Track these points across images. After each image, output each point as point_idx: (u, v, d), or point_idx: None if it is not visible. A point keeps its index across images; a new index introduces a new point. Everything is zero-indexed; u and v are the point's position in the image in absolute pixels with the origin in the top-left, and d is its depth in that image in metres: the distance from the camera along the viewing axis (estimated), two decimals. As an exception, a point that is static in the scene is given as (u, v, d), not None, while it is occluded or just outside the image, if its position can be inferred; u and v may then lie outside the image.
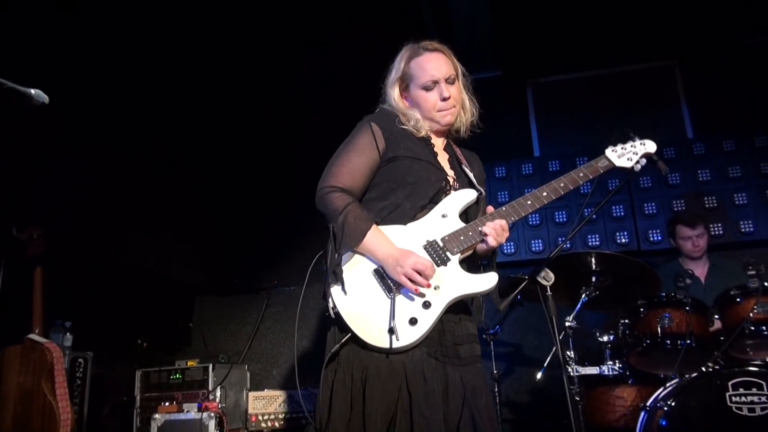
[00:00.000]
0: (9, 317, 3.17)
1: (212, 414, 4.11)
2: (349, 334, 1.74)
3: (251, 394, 4.49)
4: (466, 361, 1.79)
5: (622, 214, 4.77)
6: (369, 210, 1.88)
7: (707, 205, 4.60)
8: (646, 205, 4.73)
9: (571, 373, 3.04)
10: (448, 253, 1.82)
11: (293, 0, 3.83)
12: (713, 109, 4.94)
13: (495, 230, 1.83)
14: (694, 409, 2.59)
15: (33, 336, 3.36)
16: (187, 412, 4.22)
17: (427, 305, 1.74)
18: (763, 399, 2.51)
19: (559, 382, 2.49)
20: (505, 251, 4.89)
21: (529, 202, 1.93)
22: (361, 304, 1.76)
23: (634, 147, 2.05)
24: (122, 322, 4.77)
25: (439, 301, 1.76)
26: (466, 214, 1.95)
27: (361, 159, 1.89)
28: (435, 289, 1.77)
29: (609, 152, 2.04)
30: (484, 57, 4.78)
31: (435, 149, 2.00)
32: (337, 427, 1.67)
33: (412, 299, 1.75)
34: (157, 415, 4.20)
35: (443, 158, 2.01)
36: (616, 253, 3.26)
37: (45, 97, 1.91)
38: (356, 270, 1.81)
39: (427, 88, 1.95)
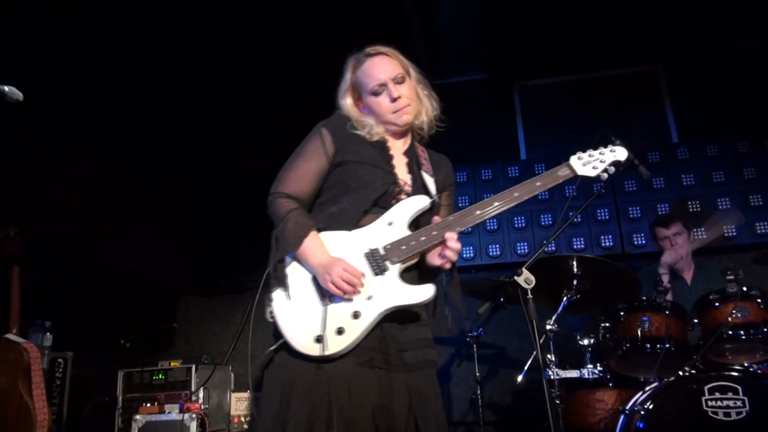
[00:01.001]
0: (-15, 317, 3.13)
1: (194, 415, 4.08)
2: (282, 340, 1.74)
3: (234, 395, 4.47)
4: (413, 367, 1.76)
5: (607, 217, 4.79)
6: (318, 215, 1.88)
7: (691, 209, 4.63)
8: (630, 208, 4.76)
9: (552, 376, 3.04)
10: (387, 263, 1.78)
11: (280, 3, 3.81)
12: (698, 114, 4.98)
13: (456, 247, 1.79)
14: (671, 413, 2.60)
15: (10, 336, 3.31)
16: (169, 413, 4.19)
17: (356, 315, 1.72)
18: (739, 404, 2.52)
19: (541, 384, 2.49)
20: (490, 254, 4.90)
21: (478, 212, 1.86)
22: (297, 311, 1.75)
23: (603, 154, 1.95)
24: (105, 322, 4.73)
25: (371, 312, 1.73)
26: (418, 222, 1.89)
27: (309, 164, 1.88)
28: (368, 299, 1.74)
29: (574, 159, 1.95)
30: (470, 59, 4.79)
31: (391, 152, 1.95)
32: (265, 429, 1.68)
33: (344, 309, 1.73)
34: (138, 416, 4.17)
35: (400, 162, 1.96)
36: (596, 257, 3.26)
37: (19, 94, 1.89)
38: (297, 276, 1.80)
39: (376, 93, 1.92)
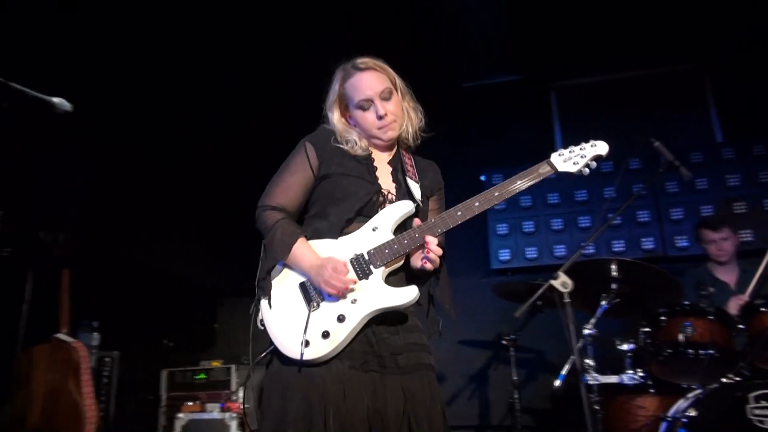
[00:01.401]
0: (38, 318, 3.27)
1: (234, 414, 4.17)
2: (272, 347, 1.79)
3: (273, 396, 4.53)
4: (407, 370, 1.78)
5: (648, 219, 4.69)
6: (306, 227, 1.94)
7: (736, 211, 4.50)
8: (672, 210, 4.64)
9: (590, 382, 2.99)
10: (371, 266, 1.81)
11: (315, 16, 3.87)
12: (743, 113, 4.82)
13: (436, 250, 1.80)
14: (714, 421, 2.52)
15: (60, 335, 3.46)
16: (211, 411, 4.29)
17: (341, 319, 1.75)
18: (786, 412, 2.44)
19: (580, 389, 2.46)
20: (527, 256, 4.85)
21: (459, 213, 1.85)
22: (284, 317, 1.80)
23: (584, 149, 1.90)
24: (149, 322, 4.88)
25: (355, 315, 1.76)
26: (405, 227, 1.89)
27: (294, 178, 1.94)
28: (352, 302, 1.77)
29: (555, 156, 1.92)
30: (504, 60, 4.75)
31: (375, 164, 1.98)
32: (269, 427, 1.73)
33: (329, 313, 1.76)
34: (180, 414, 4.28)
35: (384, 172, 1.99)
36: (637, 260, 3.20)
37: (68, 105, 1.98)
38: (283, 284, 1.85)
39: (362, 108, 1.95)
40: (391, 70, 2.01)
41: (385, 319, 1.81)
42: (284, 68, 4.37)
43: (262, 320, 1.83)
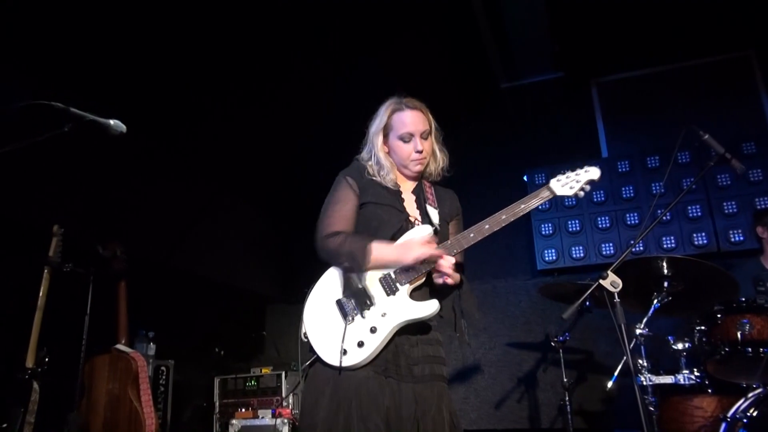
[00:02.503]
0: (97, 329, 3.41)
1: (285, 420, 4.25)
2: (316, 355, 2.04)
3: (322, 401, 4.59)
4: (420, 379, 2.02)
5: (699, 214, 4.55)
6: None
7: (794, 202, 4.32)
8: (725, 204, 4.50)
9: (644, 382, 2.93)
10: (397, 284, 2.05)
11: (348, 16, 3.92)
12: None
13: (450, 271, 2.03)
14: (778, 422, 2.44)
15: (119, 346, 3.60)
16: (262, 417, 4.39)
17: (373, 330, 2.00)
18: None
19: (633, 391, 2.41)
20: (573, 256, 4.78)
21: (471, 235, 2.06)
22: (324, 330, 2.05)
23: (578, 175, 2.15)
24: (200, 331, 5.02)
25: (385, 326, 2.00)
26: None
27: (346, 207, 2.17)
28: (382, 316, 2.02)
29: (553, 182, 2.15)
30: (543, 59, 4.69)
31: (402, 194, 2.24)
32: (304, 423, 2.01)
33: (363, 325, 2.01)
34: (234, 421, 4.40)
35: (410, 200, 2.25)
36: (689, 256, 3.11)
37: (123, 127, 2.08)
38: (322, 302, 2.10)
39: (404, 140, 2.20)
40: (431, 116, 2.28)
41: (408, 332, 2.05)
42: (336, 80, 4.43)
43: (305, 333, 2.08)
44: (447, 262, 2.02)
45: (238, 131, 4.42)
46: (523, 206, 2.07)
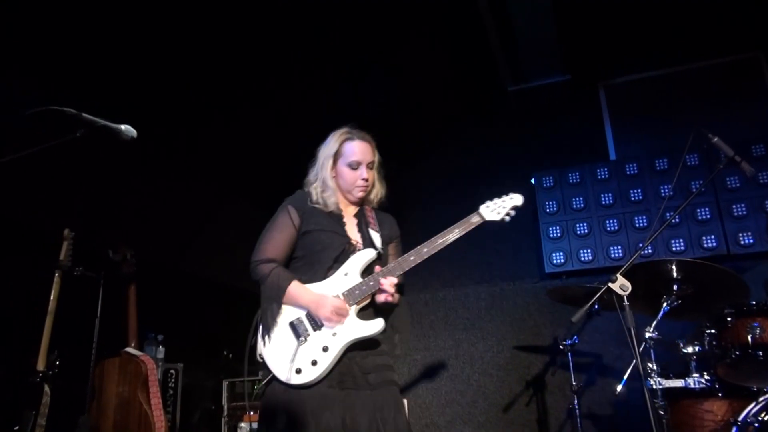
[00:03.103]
0: (107, 332, 3.44)
1: (294, 423, 4.24)
2: (271, 374, 2.18)
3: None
4: (376, 386, 2.20)
5: (708, 216, 4.53)
6: (295, 273, 2.34)
7: (804, 205, 4.29)
8: (734, 206, 4.47)
9: (654, 386, 2.92)
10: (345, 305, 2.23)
11: (354, 18, 3.93)
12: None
13: (391, 290, 2.24)
14: (790, 426, 2.43)
15: (129, 349, 3.63)
16: (271, 421, 4.37)
17: (325, 349, 2.18)
18: None
19: (643, 394, 2.41)
20: (581, 258, 4.76)
21: (412, 258, 2.27)
22: (279, 350, 2.20)
23: (504, 202, 2.38)
24: (208, 334, 5.04)
25: (336, 345, 2.19)
26: (371, 269, 2.33)
27: (282, 235, 2.39)
28: (333, 335, 2.20)
29: (482, 208, 2.37)
30: (550, 62, 4.69)
31: (344, 218, 2.44)
32: None
33: (315, 345, 2.19)
34: (242, 424, 4.40)
35: (351, 224, 2.45)
36: (698, 259, 3.09)
37: (134, 132, 2.10)
38: (277, 324, 2.25)
39: (351, 167, 2.42)
40: (376, 150, 2.50)
41: (357, 348, 2.22)
42: (342, 84, 4.44)
43: (260, 354, 2.24)
44: (388, 282, 2.23)
45: (245, 135, 4.43)
46: (456, 230, 2.30)
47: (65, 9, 2.97)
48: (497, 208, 2.37)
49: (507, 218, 2.36)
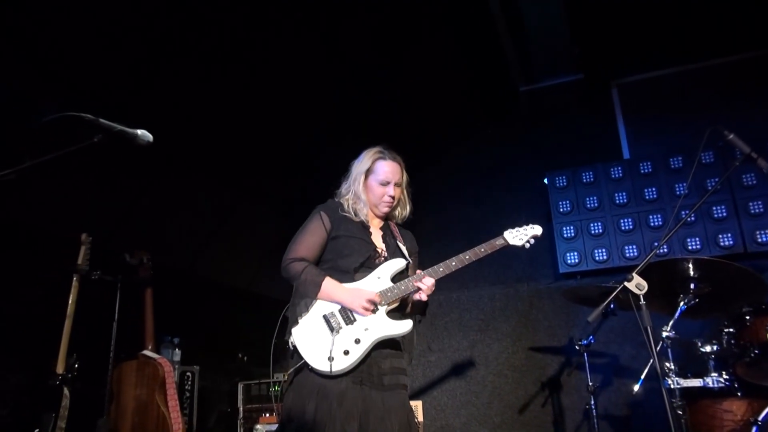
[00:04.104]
0: (125, 335, 3.47)
1: (309, 425, 4.25)
2: (302, 362, 2.32)
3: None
4: (388, 388, 2.39)
5: (725, 214, 4.49)
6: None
7: (822, 201, 4.24)
8: (751, 204, 4.42)
9: (672, 386, 2.89)
10: (378, 305, 2.42)
11: (366, 21, 3.94)
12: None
13: (428, 287, 2.48)
14: (811, 425, 2.39)
15: (146, 352, 3.66)
16: (286, 423, 4.39)
17: (357, 341, 2.35)
18: None
19: (660, 394, 2.38)
20: (596, 258, 4.73)
21: (441, 269, 2.52)
22: (312, 340, 2.35)
23: (526, 230, 2.67)
24: (224, 337, 5.06)
25: (367, 339, 2.36)
26: (398, 277, 2.54)
27: (313, 238, 2.56)
28: (365, 330, 2.38)
29: (507, 234, 2.66)
30: (563, 61, 4.67)
31: (371, 229, 2.65)
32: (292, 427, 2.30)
33: (348, 337, 2.35)
34: (258, 426, 4.41)
35: (377, 235, 2.66)
36: (714, 258, 3.06)
37: (149, 137, 2.12)
38: (310, 316, 2.40)
39: (381, 183, 2.63)
40: (405, 171, 2.71)
41: (381, 347, 2.40)
42: (356, 87, 4.45)
43: (292, 342, 2.36)
44: (428, 282, 2.47)
45: (260, 140, 4.46)
46: (483, 249, 2.57)
47: (79, 15, 3.01)
48: (519, 235, 2.66)
49: (527, 245, 2.65)
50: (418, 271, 2.55)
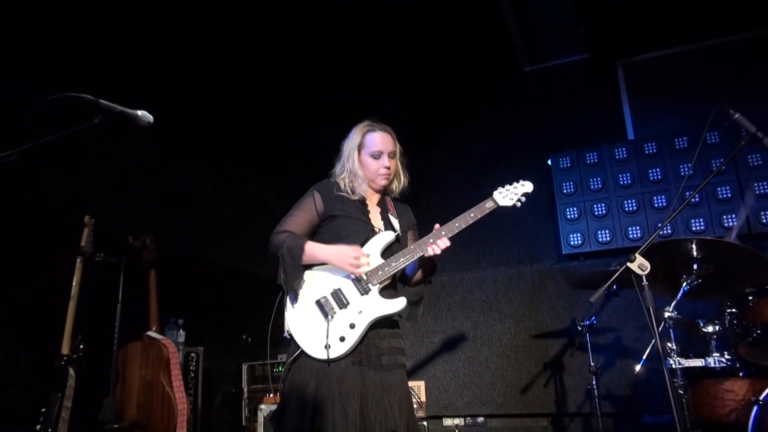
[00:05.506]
0: (129, 317, 3.49)
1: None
2: (300, 350, 2.30)
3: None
4: (386, 368, 2.35)
5: (729, 195, 4.46)
6: None
7: (828, 182, 4.21)
8: (757, 184, 4.39)
9: (674, 366, 2.90)
10: (369, 285, 2.37)
11: (372, 2, 3.90)
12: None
13: (443, 246, 2.37)
14: (812, 404, 2.40)
15: (151, 333, 3.69)
16: (290, 403, 4.43)
17: (352, 326, 2.30)
18: None
19: (662, 374, 2.39)
20: (599, 239, 4.73)
21: (431, 240, 2.39)
22: (307, 327, 2.32)
23: (515, 188, 2.53)
24: (228, 318, 5.10)
25: (362, 322, 2.32)
26: (390, 251, 2.48)
27: (303, 214, 2.52)
28: (359, 313, 2.33)
29: (496, 194, 2.52)
30: (568, 41, 4.61)
31: (368, 206, 2.58)
32: (290, 413, 2.25)
33: (343, 322, 2.31)
34: (263, 406, 4.45)
35: (375, 212, 2.59)
36: (717, 239, 3.05)
37: (150, 117, 2.11)
38: (303, 302, 2.37)
39: (374, 157, 2.55)
40: (397, 141, 2.62)
41: (378, 326, 2.36)
42: (362, 70, 4.41)
43: (288, 331, 2.34)
44: (443, 243, 2.37)
45: (265, 122, 4.44)
46: (472, 215, 2.44)
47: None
48: (509, 194, 2.52)
49: (518, 204, 2.51)
50: (435, 229, 2.46)
